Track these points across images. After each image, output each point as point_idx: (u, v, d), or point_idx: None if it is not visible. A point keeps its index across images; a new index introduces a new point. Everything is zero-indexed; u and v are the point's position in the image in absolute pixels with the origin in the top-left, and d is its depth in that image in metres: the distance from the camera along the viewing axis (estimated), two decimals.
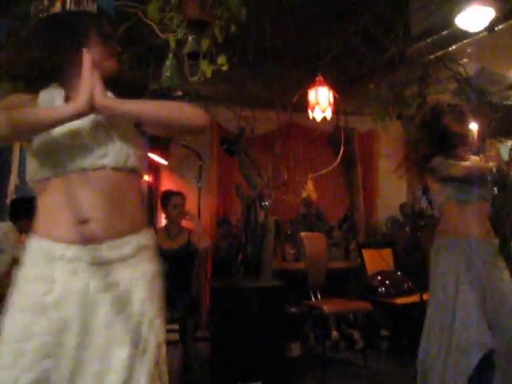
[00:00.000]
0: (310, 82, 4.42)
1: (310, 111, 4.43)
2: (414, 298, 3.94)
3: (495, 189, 2.69)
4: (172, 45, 2.73)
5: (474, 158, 2.59)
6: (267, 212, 3.96)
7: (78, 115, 1.28)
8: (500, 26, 3.68)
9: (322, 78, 4.40)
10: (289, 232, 5.22)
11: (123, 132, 1.40)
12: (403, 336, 4.23)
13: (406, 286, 4.21)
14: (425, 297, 3.79)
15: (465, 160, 2.53)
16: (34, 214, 1.37)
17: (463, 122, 2.58)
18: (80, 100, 1.27)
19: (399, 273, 4.39)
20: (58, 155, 1.32)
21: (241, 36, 3.27)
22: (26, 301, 1.27)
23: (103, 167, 1.34)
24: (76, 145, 1.34)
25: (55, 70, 1.40)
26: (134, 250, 1.37)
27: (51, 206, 1.34)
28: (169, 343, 1.49)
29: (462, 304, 2.33)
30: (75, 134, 1.34)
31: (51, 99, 1.38)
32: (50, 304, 1.26)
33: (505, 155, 4.20)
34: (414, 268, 4.37)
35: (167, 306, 1.48)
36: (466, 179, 2.45)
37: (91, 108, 1.28)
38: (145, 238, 1.42)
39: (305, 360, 4.03)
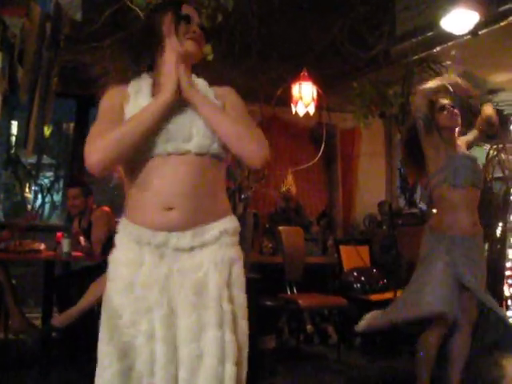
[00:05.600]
0: (295, 77, 4.41)
1: (293, 106, 4.44)
2: (389, 295, 3.99)
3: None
4: None
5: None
6: (246, 205, 3.95)
7: (167, 105, 1.36)
8: (483, 31, 3.73)
9: (306, 73, 4.40)
10: (267, 225, 5.23)
11: None
12: (376, 332, 4.29)
13: (380, 282, 4.26)
14: (399, 294, 3.84)
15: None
16: None
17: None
18: (165, 91, 1.37)
19: (375, 270, 4.43)
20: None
21: (227, 27, 3.25)
22: (120, 283, 1.36)
23: (187, 152, 1.37)
24: (161, 128, 1.36)
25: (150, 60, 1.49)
26: (214, 236, 1.40)
27: (138, 191, 1.40)
28: None
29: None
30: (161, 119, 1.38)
31: (139, 89, 1.44)
32: (137, 284, 1.35)
33: (482, 159, 4.28)
34: (390, 265, 4.42)
35: None
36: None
37: (177, 97, 1.37)
38: (226, 224, 1.44)
39: (279, 353, 4.06)
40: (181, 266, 1.36)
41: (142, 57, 1.50)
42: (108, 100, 1.45)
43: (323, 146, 4.76)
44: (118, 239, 1.44)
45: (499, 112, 5.12)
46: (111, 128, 1.34)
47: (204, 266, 1.37)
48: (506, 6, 3.46)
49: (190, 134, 1.38)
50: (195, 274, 1.36)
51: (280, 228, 4.29)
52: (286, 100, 4.50)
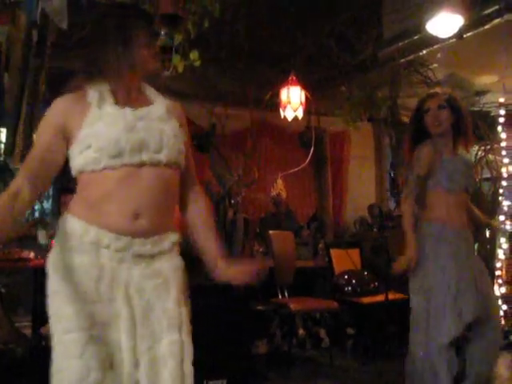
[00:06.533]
0: (283, 81, 4.43)
1: (281, 110, 4.45)
2: (380, 298, 4.00)
3: None
4: None
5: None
6: (237, 209, 3.95)
7: None
8: (468, 34, 3.78)
9: (294, 78, 4.42)
10: (257, 230, 5.22)
11: (173, 128, 1.46)
12: (368, 334, 4.30)
13: (372, 285, 4.27)
14: (390, 296, 3.86)
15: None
16: None
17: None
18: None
19: (366, 272, 4.44)
20: (118, 145, 1.34)
21: (215, 32, 3.26)
22: (81, 290, 1.33)
23: (159, 163, 1.40)
24: (134, 138, 1.36)
25: (107, 66, 1.43)
26: (171, 245, 1.47)
27: (103, 195, 1.37)
28: None
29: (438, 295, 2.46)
30: (132, 128, 1.37)
31: (100, 96, 1.41)
32: (104, 291, 1.34)
33: (471, 159, 4.32)
34: (381, 268, 4.43)
35: None
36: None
37: None
38: (176, 235, 1.51)
39: (271, 357, 4.05)
40: (140, 272, 1.39)
41: (98, 60, 1.44)
42: (53, 118, 1.42)
43: (312, 149, 4.78)
44: (63, 239, 1.39)
45: (486, 113, 5.19)
46: (38, 169, 1.44)
47: (164, 272, 1.44)
48: (489, 10, 3.50)
49: (161, 144, 1.40)
50: (156, 280, 1.41)
51: (270, 232, 4.29)
52: (276, 104, 4.52)
